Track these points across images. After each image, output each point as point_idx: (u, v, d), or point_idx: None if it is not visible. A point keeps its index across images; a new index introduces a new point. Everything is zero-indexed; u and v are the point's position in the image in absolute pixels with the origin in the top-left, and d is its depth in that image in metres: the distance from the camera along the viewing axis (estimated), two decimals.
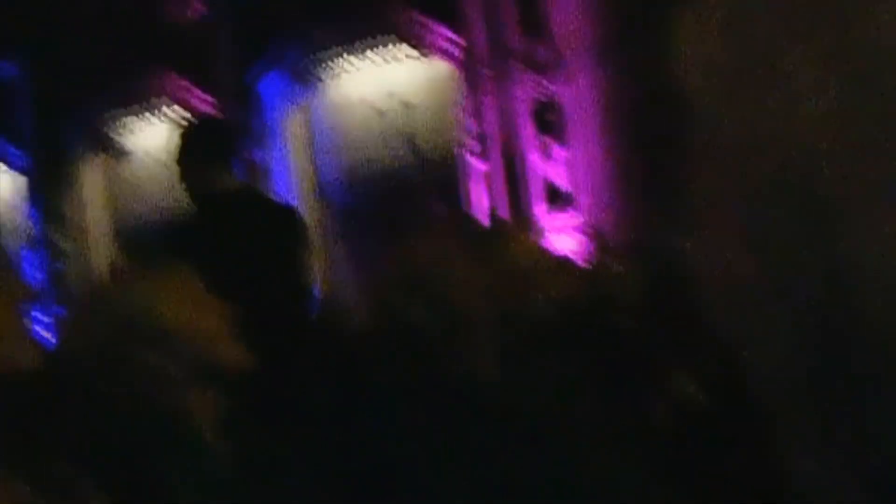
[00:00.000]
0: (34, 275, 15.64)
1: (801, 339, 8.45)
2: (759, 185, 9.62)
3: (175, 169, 6.52)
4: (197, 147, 6.39)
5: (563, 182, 12.00)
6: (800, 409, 6.30)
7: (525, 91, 12.22)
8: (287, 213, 8.32)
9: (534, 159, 12.15)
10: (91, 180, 16.35)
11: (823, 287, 8.83)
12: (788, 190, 9.40)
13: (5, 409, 1.86)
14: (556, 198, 12.02)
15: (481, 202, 12.57)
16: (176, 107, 14.98)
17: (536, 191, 12.11)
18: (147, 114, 15.20)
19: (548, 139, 12.08)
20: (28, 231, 16.16)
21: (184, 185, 6.57)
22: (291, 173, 14.34)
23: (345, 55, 13.67)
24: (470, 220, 12.09)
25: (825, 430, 7.09)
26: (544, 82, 12.11)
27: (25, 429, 1.92)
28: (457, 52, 12.94)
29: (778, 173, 9.49)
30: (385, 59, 13.48)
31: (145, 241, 15.95)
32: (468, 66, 12.79)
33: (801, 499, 5.70)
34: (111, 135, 15.68)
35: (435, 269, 3.43)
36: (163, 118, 15.17)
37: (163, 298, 2.60)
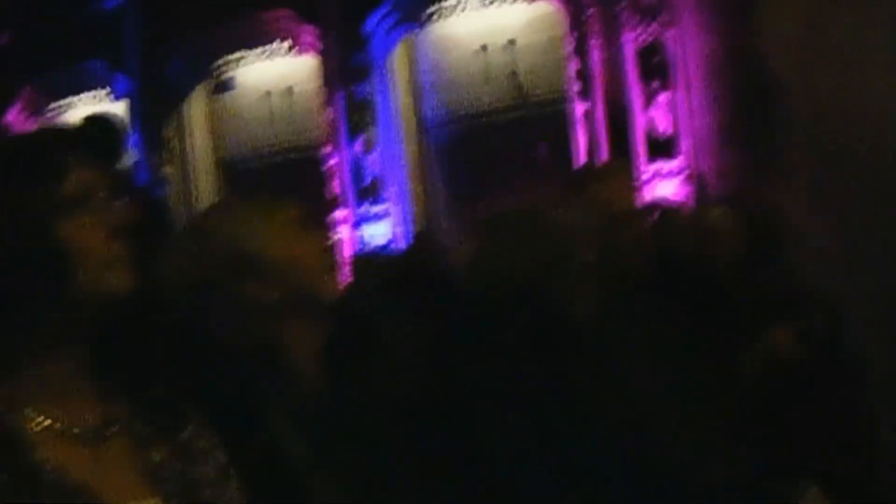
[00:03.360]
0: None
1: (868, 295, 8.49)
2: (834, 141, 9.69)
3: None
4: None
5: (665, 126, 11.96)
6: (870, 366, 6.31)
7: (630, 34, 12.17)
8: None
9: (637, 102, 12.11)
10: (196, 110, 16.58)
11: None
12: (862, 150, 9.46)
13: (105, 337, 1.94)
14: (658, 142, 11.98)
15: (582, 143, 12.57)
16: (284, 42, 15.13)
17: (638, 134, 12.07)
18: (254, 47, 15.35)
19: (651, 83, 12.03)
20: (132, 157, 16.41)
21: None
22: (395, 109, 14.42)
23: None
24: (570, 161, 12.11)
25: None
26: (650, 25, 12.05)
27: (124, 356, 1.99)
28: None
29: (853, 134, 9.54)
30: None
31: (246, 172, 16.20)
32: (574, 6, 12.75)
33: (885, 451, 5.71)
34: (217, 66, 15.88)
35: (534, 209, 3.43)
36: (270, 52, 15.32)
37: (261, 229, 2.69)
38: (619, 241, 3.91)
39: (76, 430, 1.86)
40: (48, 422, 1.83)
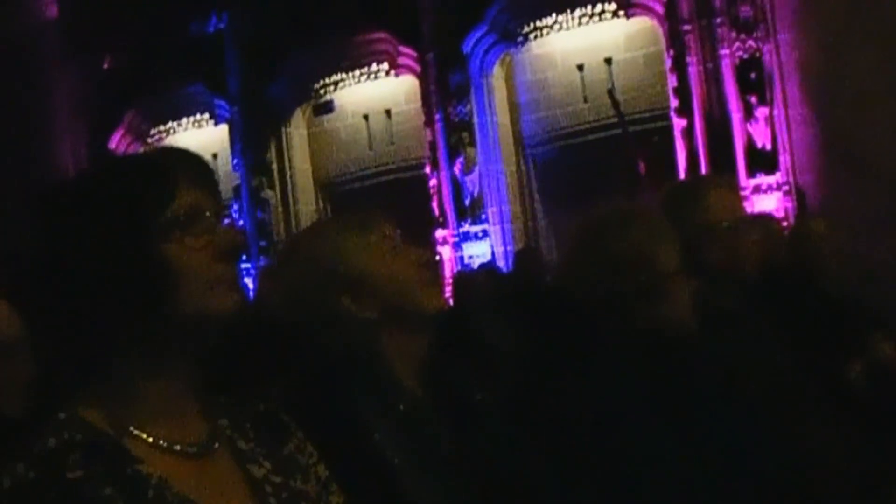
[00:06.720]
0: (238, 223, 16.03)
1: None
2: None
3: None
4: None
5: (763, 141, 11.89)
6: None
7: (727, 49, 12.12)
8: None
9: (735, 117, 12.05)
10: (295, 133, 16.72)
11: None
12: None
13: (209, 353, 1.94)
14: (757, 156, 11.91)
15: (681, 159, 12.52)
16: (382, 64, 15.21)
17: (738, 149, 12.01)
18: (353, 70, 15.45)
19: (749, 98, 11.97)
20: (233, 181, 16.57)
21: None
22: (493, 129, 14.44)
23: (548, 12, 13.71)
24: (669, 177, 12.05)
25: None
26: (747, 41, 11.99)
27: (227, 373, 2.00)
28: (659, 9, 12.88)
29: None
30: (589, 16, 13.48)
31: (345, 193, 16.31)
32: (671, 23, 12.72)
33: None
34: (316, 89, 15.99)
35: (633, 224, 3.40)
36: (368, 74, 15.41)
37: (357, 246, 2.72)
38: (721, 253, 3.88)
39: (180, 446, 1.89)
40: (153, 438, 1.86)
